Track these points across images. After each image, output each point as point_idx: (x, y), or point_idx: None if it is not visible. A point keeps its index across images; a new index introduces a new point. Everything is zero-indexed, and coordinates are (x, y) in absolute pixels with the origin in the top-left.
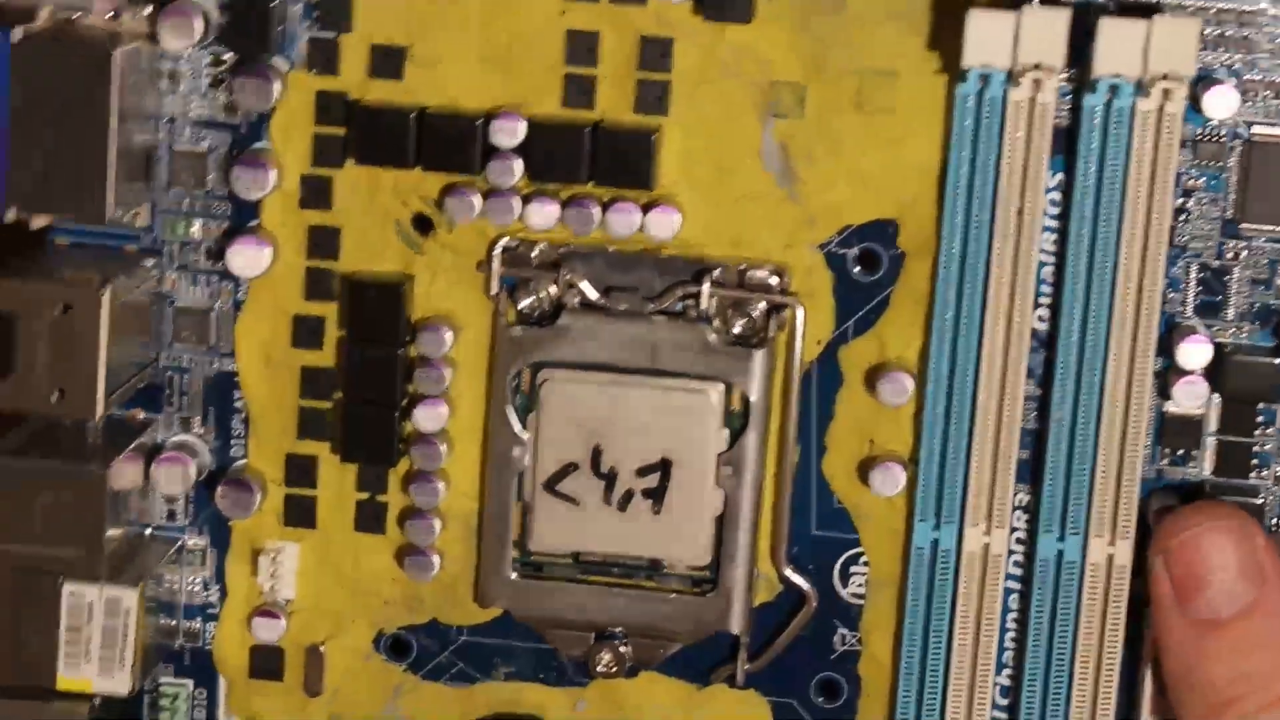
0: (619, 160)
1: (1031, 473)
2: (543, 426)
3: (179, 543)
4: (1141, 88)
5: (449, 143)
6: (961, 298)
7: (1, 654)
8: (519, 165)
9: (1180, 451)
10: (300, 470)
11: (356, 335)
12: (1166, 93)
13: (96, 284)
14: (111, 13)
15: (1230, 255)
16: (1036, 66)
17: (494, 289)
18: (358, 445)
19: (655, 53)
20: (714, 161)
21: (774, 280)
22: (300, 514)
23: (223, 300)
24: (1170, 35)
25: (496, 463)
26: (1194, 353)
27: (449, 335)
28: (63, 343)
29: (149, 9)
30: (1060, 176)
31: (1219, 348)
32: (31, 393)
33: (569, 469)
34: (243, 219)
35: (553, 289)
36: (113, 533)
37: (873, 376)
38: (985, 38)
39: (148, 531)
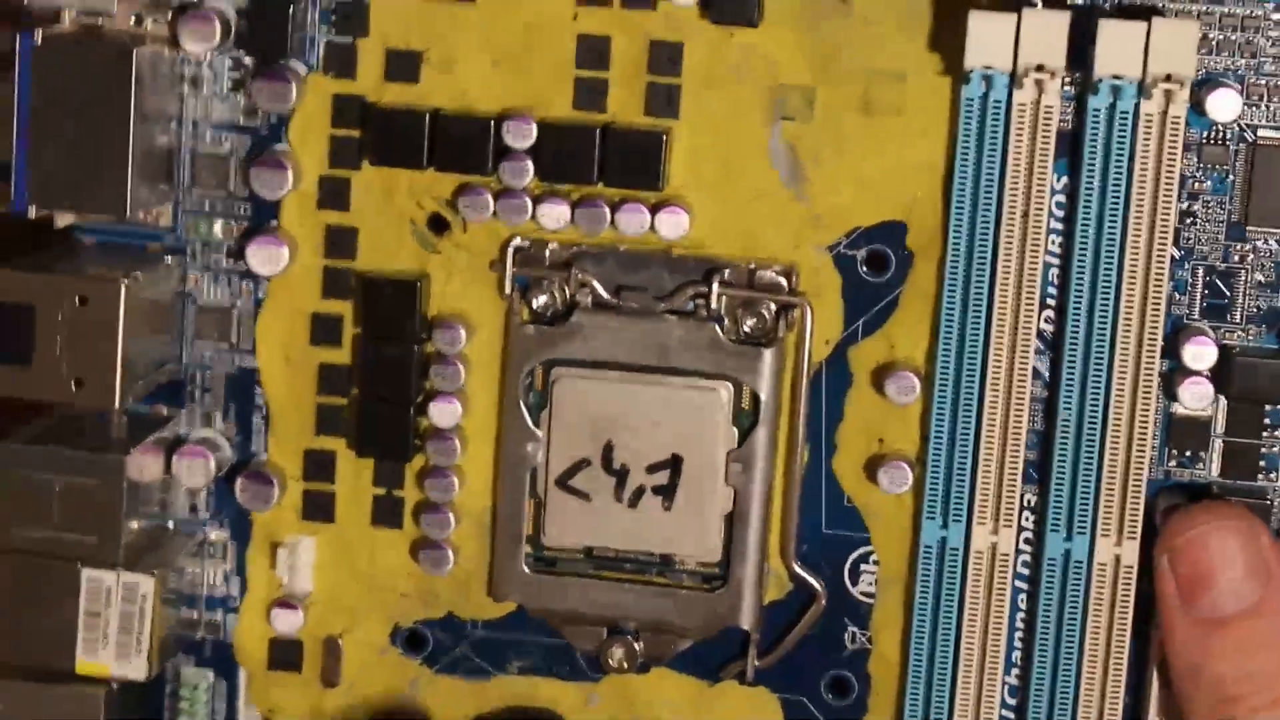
0: (629, 161)
1: (1039, 473)
2: (555, 423)
3: (200, 536)
4: (1143, 89)
5: (462, 144)
6: (968, 299)
7: (22, 637)
8: (530, 166)
9: (1188, 453)
10: (318, 465)
11: (373, 333)
12: (1168, 94)
13: (113, 277)
14: (133, 17)
15: (1236, 258)
16: (1039, 68)
17: (507, 288)
18: (374, 441)
19: (664, 56)
20: (722, 163)
21: (783, 280)
22: (318, 508)
23: (243, 299)
24: (1170, 37)
25: (510, 459)
26: (1199, 354)
27: (463, 333)
28: (80, 334)
29: (169, 14)
30: (1065, 179)
31: (1226, 350)
32: (50, 382)
33: (581, 465)
34: (262, 219)
35: (565, 288)
36: (134, 524)
37: (880, 376)
38: (987, 39)
39: (170, 525)
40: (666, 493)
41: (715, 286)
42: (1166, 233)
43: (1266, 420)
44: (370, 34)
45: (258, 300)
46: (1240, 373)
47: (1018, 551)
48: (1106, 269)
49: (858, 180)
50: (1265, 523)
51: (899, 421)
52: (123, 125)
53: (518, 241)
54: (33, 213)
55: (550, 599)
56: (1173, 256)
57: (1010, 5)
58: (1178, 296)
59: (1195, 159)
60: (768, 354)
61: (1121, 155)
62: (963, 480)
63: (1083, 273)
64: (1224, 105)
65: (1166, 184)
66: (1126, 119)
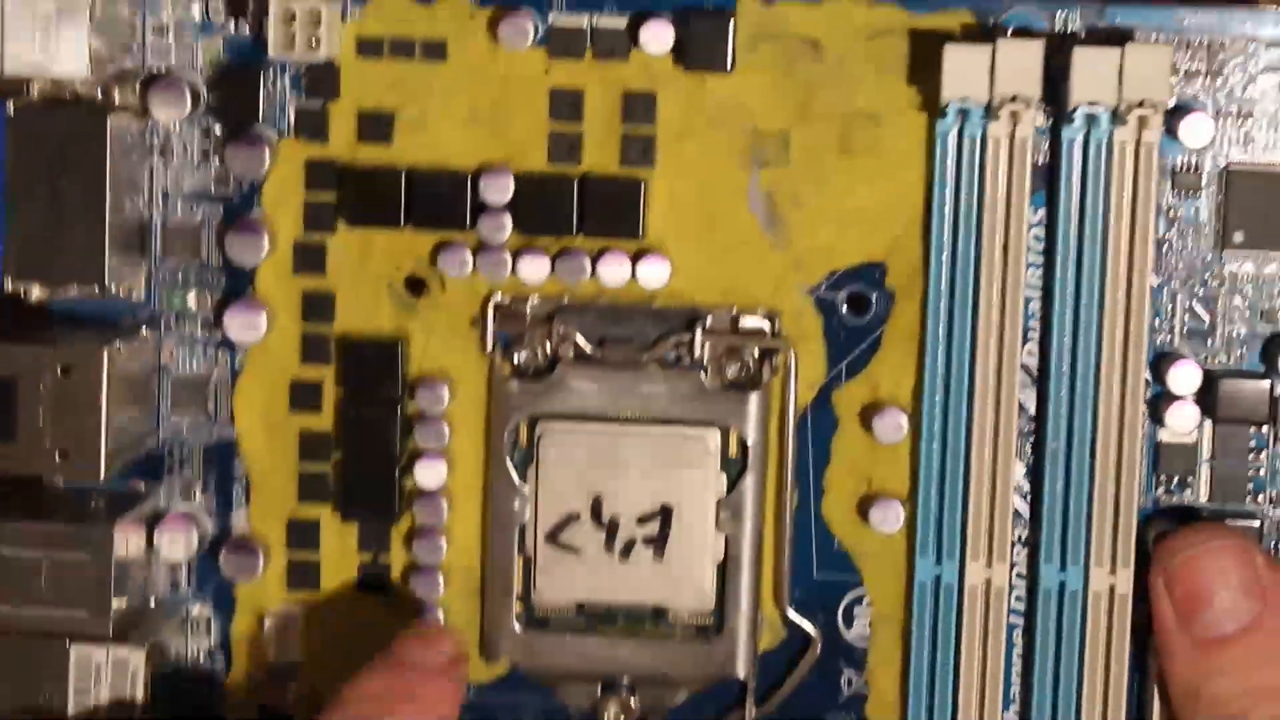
0: (608, 211)
1: (1030, 505)
2: (542, 478)
3: (184, 611)
4: (1118, 116)
5: (438, 201)
6: (951, 335)
7: (13, 716)
8: (508, 220)
9: (1176, 478)
10: (302, 533)
11: (354, 396)
12: (1143, 120)
13: (95, 345)
14: (103, 87)
15: (1216, 283)
16: (1014, 99)
17: (489, 345)
18: (358, 504)
19: (639, 106)
20: (701, 211)
21: (765, 325)
22: (303, 577)
23: (220, 368)
24: (1143, 62)
25: (497, 516)
26: (1183, 378)
27: (446, 392)
28: (63, 406)
29: (138, 84)
30: (1043, 211)
31: (1210, 373)
32: (34, 456)
33: (570, 519)
34: (238, 286)
35: (547, 343)
36: (118, 602)
37: (867, 416)
38: (962, 71)
39: (152, 602)
40: (657, 543)
41: (698, 334)
42: (1145, 260)
43: (1253, 443)
44: (341, 96)
45: (234, 369)
46: (1225, 396)
47: (1012, 585)
48: (1087, 299)
49: (837, 222)
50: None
51: (887, 461)
52: (99, 197)
53: (498, 298)
54: (8, 285)
55: (543, 657)
56: (1152, 284)
57: (981, 38)
58: (1159, 323)
59: (1171, 186)
60: (753, 399)
61: (1097, 184)
62: (954, 516)
63: (1064, 303)
64: (1196, 131)
65: (1143, 212)
66: (1101, 148)
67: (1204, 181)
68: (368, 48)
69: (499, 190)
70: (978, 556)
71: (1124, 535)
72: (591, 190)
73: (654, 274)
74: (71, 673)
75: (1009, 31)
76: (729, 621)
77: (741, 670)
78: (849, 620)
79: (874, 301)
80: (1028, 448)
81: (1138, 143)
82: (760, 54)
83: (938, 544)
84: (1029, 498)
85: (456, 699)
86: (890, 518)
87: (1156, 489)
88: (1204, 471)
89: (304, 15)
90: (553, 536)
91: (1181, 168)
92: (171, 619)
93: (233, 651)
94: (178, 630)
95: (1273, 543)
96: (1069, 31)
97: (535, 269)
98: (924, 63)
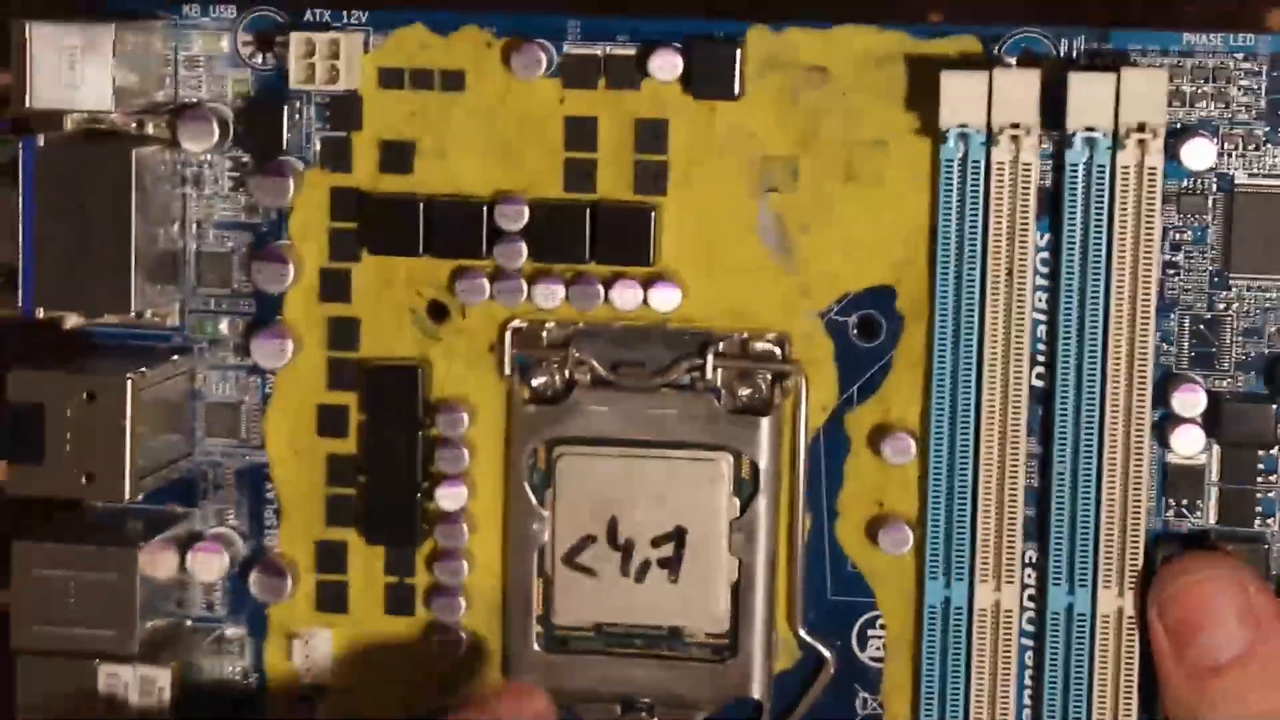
0: (619, 238)
1: (1038, 528)
2: (559, 501)
3: (218, 631)
4: (1117, 141)
5: (456, 229)
6: (958, 359)
7: None
8: (524, 248)
9: (1184, 501)
10: (330, 556)
11: (377, 421)
12: (1142, 144)
13: (119, 372)
14: (133, 121)
15: (1221, 306)
16: (1014, 125)
17: (507, 370)
18: (382, 528)
19: (650, 134)
20: (711, 236)
21: (776, 349)
22: (332, 599)
23: (250, 394)
24: (1139, 87)
25: (516, 539)
26: (1189, 401)
27: (466, 416)
28: (89, 430)
29: (168, 116)
30: (1048, 235)
31: (1215, 396)
32: (61, 478)
33: (586, 542)
34: (266, 314)
35: (563, 367)
36: (150, 622)
37: (876, 438)
38: (960, 98)
39: (188, 622)
40: (672, 565)
41: (710, 359)
42: (1150, 283)
43: (1260, 465)
44: (364, 127)
45: (264, 395)
46: (1231, 419)
47: (1022, 608)
48: (1093, 322)
49: (845, 247)
50: (1264, 568)
51: (897, 483)
52: (125, 226)
53: (516, 323)
54: (40, 314)
55: (563, 678)
56: (1158, 307)
57: (983, 65)
58: (1165, 346)
59: (1175, 210)
60: (765, 423)
61: (1101, 208)
62: (963, 539)
63: (1070, 327)
64: (1198, 154)
65: (1147, 235)
66: (1104, 172)
67: (1208, 204)
68: (388, 78)
69: (514, 218)
70: (986, 579)
71: (1132, 558)
72: (604, 217)
73: (665, 300)
74: (100, 692)
75: (1014, 59)
76: (744, 643)
77: (757, 691)
78: (863, 642)
79: (884, 325)
80: (1035, 470)
81: (1140, 166)
82: (768, 81)
83: (946, 566)
84: (1037, 520)
85: None
86: (899, 541)
87: (1165, 511)
88: (1212, 494)
89: (323, 48)
90: (570, 559)
91: (1185, 191)
92: (206, 640)
93: (266, 673)
94: (212, 651)
95: None
96: (1074, 56)
97: (550, 295)
98: (929, 88)
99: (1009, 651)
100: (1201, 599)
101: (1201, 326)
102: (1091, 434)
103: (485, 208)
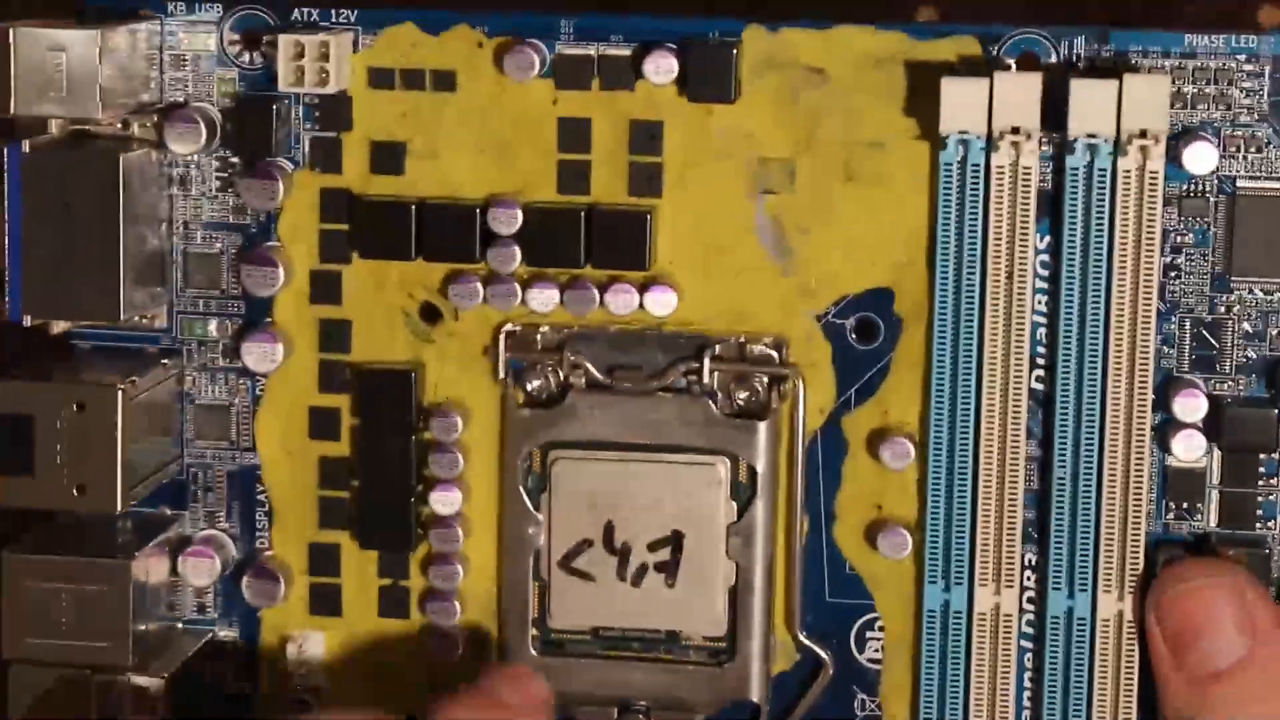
0: (615, 242)
1: (1038, 531)
2: (555, 505)
3: (209, 635)
4: (1119, 147)
5: (449, 232)
6: (957, 362)
7: None
8: (518, 251)
9: (1185, 505)
10: (323, 558)
11: (370, 424)
12: (1144, 150)
13: (110, 382)
14: (119, 122)
15: (1222, 309)
16: (1014, 130)
17: (501, 373)
18: (376, 532)
19: (645, 136)
20: (708, 239)
21: (773, 352)
22: (325, 602)
23: (240, 396)
24: (1141, 93)
25: (512, 543)
26: (1190, 406)
27: (459, 420)
28: (80, 440)
29: (154, 117)
30: (1048, 239)
31: (1216, 400)
32: (52, 489)
33: (583, 546)
34: (256, 316)
35: (558, 371)
36: (142, 626)
37: (874, 441)
38: (960, 104)
39: (179, 625)
40: (669, 569)
41: (707, 362)
42: (1151, 287)
43: (1261, 469)
44: (354, 128)
45: (255, 397)
46: (1232, 423)
47: (1021, 611)
48: (1094, 326)
49: (843, 249)
50: (1266, 572)
51: (896, 487)
52: (113, 229)
53: (509, 327)
54: (28, 321)
55: (560, 681)
56: (1159, 310)
57: (983, 70)
58: (1166, 350)
59: (1176, 212)
60: (762, 426)
61: (1101, 212)
62: (962, 542)
63: (1070, 331)
64: (1200, 158)
65: (1148, 239)
66: (1105, 177)
67: (1210, 206)
68: (378, 78)
69: (507, 221)
70: (986, 582)
71: (1132, 562)
72: (599, 221)
73: (661, 303)
74: (94, 704)
75: (1014, 60)
76: (742, 646)
77: (755, 694)
78: (861, 644)
79: (882, 327)
80: (1035, 474)
81: (1141, 171)
82: (765, 82)
83: (946, 570)
84: (1036, 524)
85: None
86: (898, 545)
87: (1166, 515)
88: (1213, 497)
89: (313, 51)
90: (566, 563)
91: (1186, 194)
92: (198, 643)
93: (260, 675)
94: (204, 654)
95: None
96: (1074, 58)
97: (544, 299)
98: (928, 90)
99: (1008, 655)
100: (1200, 606)
101: (1202, 329)
102: (1092, 437)
103: (478, 210)
